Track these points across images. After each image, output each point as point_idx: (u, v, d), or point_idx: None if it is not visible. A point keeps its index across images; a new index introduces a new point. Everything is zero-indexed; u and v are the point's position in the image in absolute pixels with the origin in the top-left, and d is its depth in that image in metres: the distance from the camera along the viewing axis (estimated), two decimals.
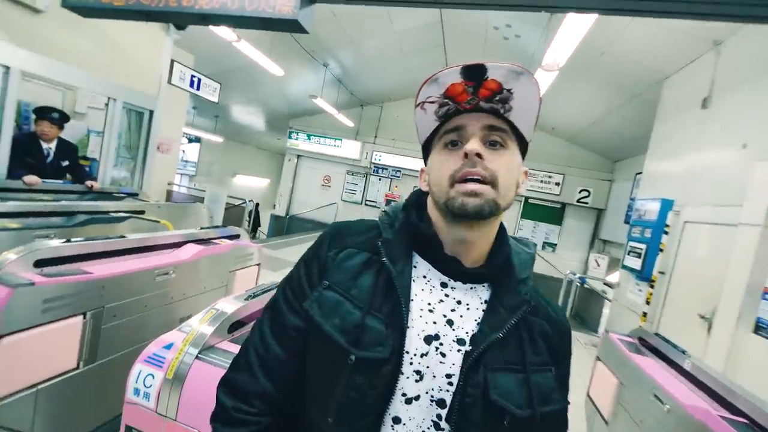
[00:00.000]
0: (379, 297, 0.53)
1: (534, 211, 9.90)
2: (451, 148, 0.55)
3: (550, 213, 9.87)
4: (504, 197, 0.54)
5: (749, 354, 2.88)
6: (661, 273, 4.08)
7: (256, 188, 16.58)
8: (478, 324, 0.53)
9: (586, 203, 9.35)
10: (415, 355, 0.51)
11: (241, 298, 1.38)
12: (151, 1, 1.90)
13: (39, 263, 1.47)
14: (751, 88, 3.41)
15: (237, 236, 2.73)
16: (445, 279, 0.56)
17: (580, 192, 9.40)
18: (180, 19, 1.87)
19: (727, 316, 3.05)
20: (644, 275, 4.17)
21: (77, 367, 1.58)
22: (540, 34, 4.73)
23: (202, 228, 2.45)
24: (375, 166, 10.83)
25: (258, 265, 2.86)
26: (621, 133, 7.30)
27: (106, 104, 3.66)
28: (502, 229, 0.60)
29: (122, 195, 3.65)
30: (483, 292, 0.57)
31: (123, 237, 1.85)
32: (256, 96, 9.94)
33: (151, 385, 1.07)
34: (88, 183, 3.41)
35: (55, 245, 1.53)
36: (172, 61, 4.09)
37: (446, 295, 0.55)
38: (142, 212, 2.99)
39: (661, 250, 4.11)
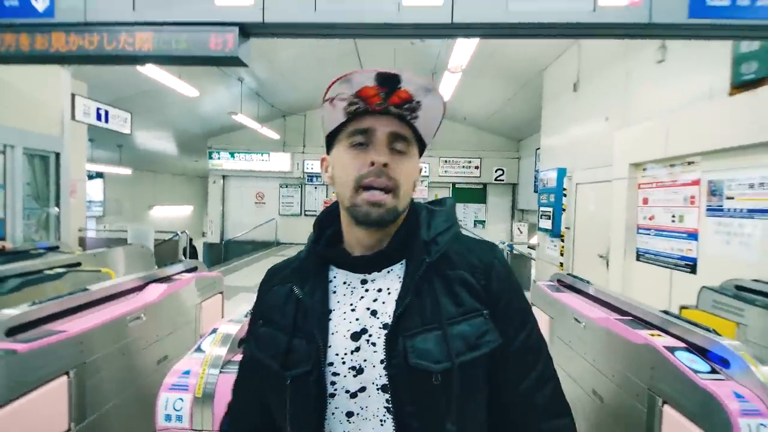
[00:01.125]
0: (301, 319, 0.57)
1: (462, 194, 10.88)
2: (358, 148, 0.57)
3: (475, 194, 10.95)
4: (403, 202, 0.58)
5: (636, 276, 3.74)
6: (567, 228, 4.97)
7: (179, 218, 15.26)
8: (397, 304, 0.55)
9: (503, 180, 10.58)
10: (345, 354, 0.54)
11: (238, 318, 1.52)
12: (71, 46, 1.87)
13: (11, 332, 1.42)
14: (605, 73, 4.36)
15: (195, 268, 2.72)
16: (363, 276, 0.60)
17: (496, 171, 10.59)
18: (113, 62, 1.86)
19: (617, 252, 3.91)
20: (555, 233, 5.03)
21: (69, 429, 1.55)
22: (441, 41, 5.32)
23: (159, 267, 2.42)
24: (308, 176, 10.83)
25: (221, 293, 2.87)
26: (520, 117, 8.45)
27: (2, 152, 3.23)
28: (410, 205, 0.63)
29: (41, 250, 3.27)
30: (400, 270, 0.59)
31: (86, 290, 1.81)
32: (164, 119, 9.21)
33: (181, 408, 1.19)
34: (2, 244, 3.01)
35: (23, 311, 1.48)
36: (73, 95, 3.73)
37: (366, 290, 0.58)
38: (78, 264, 2.77)
39: (564, 210, 5.00)
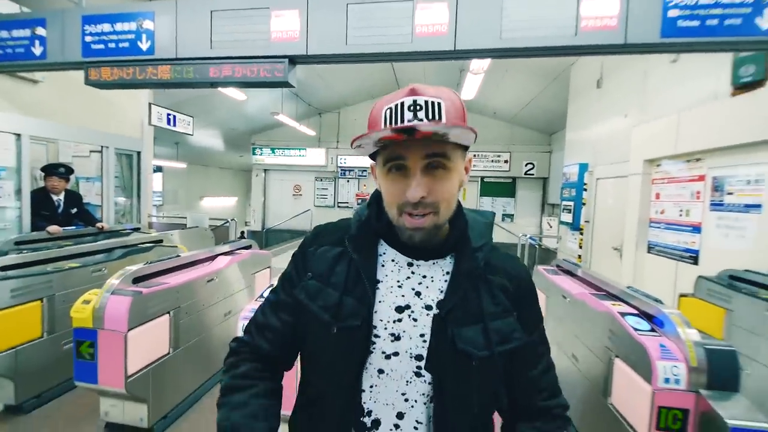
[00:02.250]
0: (352, 281, 0.64)
1: (490, 188, 11.00)
2: (395, 173, 0.61)
3: (504, 188, 11.02)
4: (445, 216, 0.62)
5: (647, 267, 3.91)
6: (587, 222, 5.13)
7: (226, 207, 16.61)
8: (441, 292, 0.64)
9: (533, 174, 10.56)
10: (389, 322, 0.62)
11: None
12: (168, 75, 2.48)
13: (136, 280, 2.06)
14: (626, 71, 4.46)
15: (250, 246, 3.34)
16: (410, 260, 0.66)
17: (526, 165, 10.59)
18: (195, 86, 2.46)
19: (629, 245, 4.08)
20: (575, 226, 5.21)
21: (169, 353, 2.18)
22: None
23: (225, 243, 3.04)
24: (341, 170, 11.46)
25: (269, 267, 3.48)
26: (551, 110, 8.45)
27: (100, 152, 4.06)
28: (458, 208, 0.67)
29: (128, 231, 4.09)
30: (445, 265, 0.66)
31: (178, 256, 2.44)
32: (214, 119, 10.20)
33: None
34: (99, 225, 3.82)
35: (141, 267, 2.12)
36: (150, 104, 4.51)
37: (413, 272, 0.65)
38: (160, 241, 3.50)
39: (584, 204, 5.15)
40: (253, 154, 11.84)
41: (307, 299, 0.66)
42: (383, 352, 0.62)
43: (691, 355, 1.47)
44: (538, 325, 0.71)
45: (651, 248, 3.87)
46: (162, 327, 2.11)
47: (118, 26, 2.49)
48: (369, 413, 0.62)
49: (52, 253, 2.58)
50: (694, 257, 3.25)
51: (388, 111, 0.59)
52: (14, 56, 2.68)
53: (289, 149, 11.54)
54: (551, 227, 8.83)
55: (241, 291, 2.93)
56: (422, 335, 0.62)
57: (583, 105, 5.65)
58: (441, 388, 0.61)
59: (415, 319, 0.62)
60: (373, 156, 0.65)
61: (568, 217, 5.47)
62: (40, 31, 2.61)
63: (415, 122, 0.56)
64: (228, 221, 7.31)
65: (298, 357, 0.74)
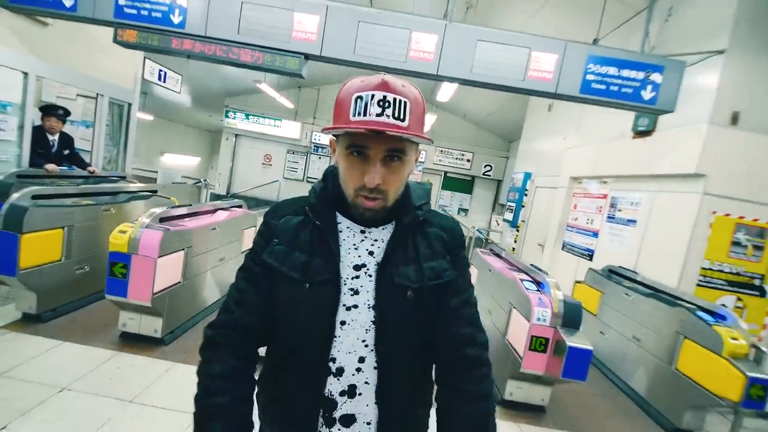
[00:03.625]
0: (317, 243, 0.73)
1: (451, 183, 11.97)
2: (354, 158, 0.68)
3: (464, 184, 12.04)
4: (392, 200, 0.72)
5: (559, 260, 4.95)
6: (523, 221, 6.15)
7: (187, 167, 16.09)
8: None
9: (490, 175, 11.67)
10: (347, 278, 0.72)
11: None
12: (191, 47, 2.87)
13: (162, 220, 2.53)
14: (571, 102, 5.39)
15: (240, 206, 3.81)
16: (362, 227, 0.75)
17: (485, 167, 11.65)
18: (216, 62, 2.86)
19: (550, 242, 5.10)
20: (513, 224, 6.21)
21: (180, 282, 2.69)
22: None
23: (217, 200, 3.50)
24: (315, 146, 11.75)
25: (254, 226, 3.98)
26: (512, 120, 9.44)
27: (92, 97, 4.19)
28: (404, 188, 0.76)
29: (115, 178, 4.31)
30: (392, 228, 0.76)
31: (191, 205, 2.90)
32: (190, 75, 9.95)
33: None
34: (90, 169, 4.02)
35: (166, 210, 2.58)
36: (144, 58, 4.64)
37: (365, 237, 0.75)
38: (155, 191, 3.84)
39: (523, 206, 6.15)
40: (226, 116, 11.69)
41: (277, 263, 0.73)
42: (344, 305, 0.70)
43: (555, 306, 2.31)
44: (464, 269, 0.82)
45: (564, 246, 4.91)
46: (178, 260, 2.61)
47: None
48: (333, 360, 0.70)
49: (71, 190, 2.90)
50: (590, 255, 4.29)
51: (358, 100, 0.64)
52: (43, 3, 2.89)
53: (264, 117, 11.56)
54: (498, 224, 10.00)
55: (232, 243, 3.43)
56: (375, 288, 0.71)
57: (535, 122, 6.61)
58: (381, 319, 0.70)
59: (370, 275, 0.72)
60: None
61: (509, 216, 6.47)
62: None
63: (384, 120, 0.63)
64: (200, 180, 7.50)
65: None
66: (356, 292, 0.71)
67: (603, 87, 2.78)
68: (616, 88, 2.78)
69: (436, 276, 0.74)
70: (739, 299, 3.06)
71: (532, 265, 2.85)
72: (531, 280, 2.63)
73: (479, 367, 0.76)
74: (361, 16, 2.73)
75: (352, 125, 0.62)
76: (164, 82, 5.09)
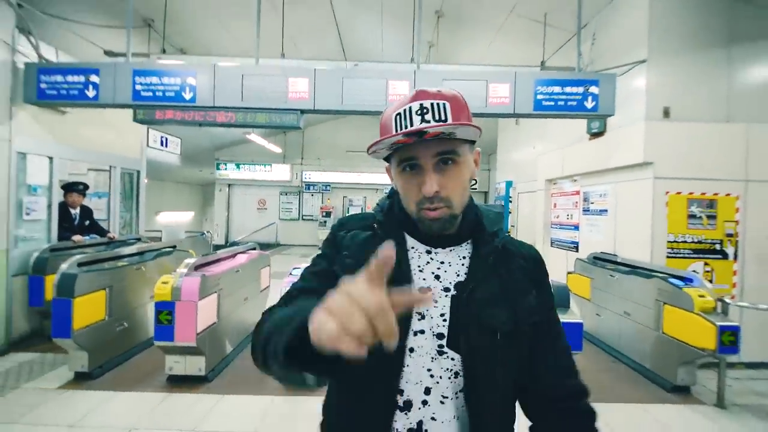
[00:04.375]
0: None
1: None
2: (408, 173, 0.66)
3: None
4: (459, 207, 0.67)
5: (551, 256, 5.35)
6: (512, 226, 6.59)
7: (181, 223, 16.34)
8: (458, 275, 0.68)
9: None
10: None
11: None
12: (203, 117, 3.33)
13: (197, 267, 2.87)
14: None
15: (255, 248, 4.17)
16: (429, 248, 0.71)
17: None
18: (225, 127, 3.31)
19: (539, 241, 5.52)
20: (503, 229, 6.63)
21: (216, 322, 2.99)
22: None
23: (231, 246, 3.87)
24: (306, 185, 12.25)
25: (269, 265, 4.31)
26: (487, 135, 10.14)
27: (106, 170, 4.60)
28: (470, 201, 0.73)
29: (132, 240, 4.64)
30: (461, 251, 0.71)
31: (215, 253, 3.26)
32: (180, 134, 10.52)
33: None
34: (110, 235, 4.35)
35: (199, 258, 2.93)
36: (148, 129, 5.11)
37: (431, 258, 0.70)
38: (174, 247, 4.18)
39: (510, 212, 6.62)
40: (217, 169, 12.18)
41: (345, 275, 0.66)
42: (412, 329, 0.65)
43: None
44: (552, 304, 0.75)
45: (552, 243, 5.33)
46: (213, 302, 2.93)
47: (165, 80, 3.30)
48: (401, 392, 0.64)
49: (107, 255, 3.24)
50: (576, 247, 4.71)
51: (398, 117, 0.63)
52: (69, 97, 3.36)
53: (254, 164, 12.09)
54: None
55: (253, 282, 3.76)
56: (442, 315, 0.65)
57: (507, 136, 7.23)
58: (469, 365, 0.63)
59: (435, 301, 0.66)
60: (387, 158, 0.70)
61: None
62: (94, 78, 3.33)
63: (423, 125, 0.60)
64: (204, 233, 7.84)
65: None
66: (422, 317, 0.66)
67: (552, 103, 3.32)
68: (562, 103, 3.32)
69: (526, 316, 0.68)
70: (706, 264, 3.49)
71: None
72: None
73: (584, 396, 0.71)
74: (344, 73, 3.26)
75: (390, 136, 0.61)
76: (166, 147, 5.55)
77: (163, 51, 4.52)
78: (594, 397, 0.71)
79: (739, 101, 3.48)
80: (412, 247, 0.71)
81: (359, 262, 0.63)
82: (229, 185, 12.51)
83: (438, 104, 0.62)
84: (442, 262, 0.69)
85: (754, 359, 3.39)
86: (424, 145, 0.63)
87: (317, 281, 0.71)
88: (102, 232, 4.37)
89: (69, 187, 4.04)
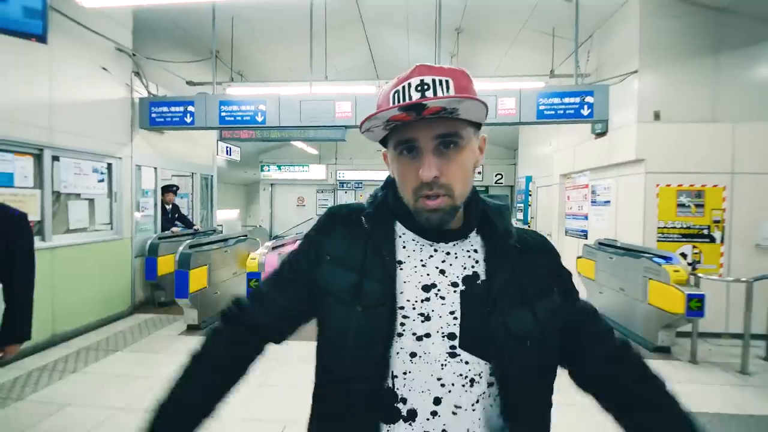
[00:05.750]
0: (371, 261, 0.62)
1: None
2: (406, 157, 0.59)
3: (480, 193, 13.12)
4: (461, 197, 0.60)
5: (566, 244, 5.91)
6: (532, 218, 7.16)
7: (230, 219, 18.04)
8: (464, 268, 0.61)
9: (502, 183, 12.71)
10: (417, 302, 0.59)
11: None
12: (275, 135, 4.30)
13: (274, 248, 3.85)
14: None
15: None
16: (431, 241, 0.64)
17: (496, 176, 12.73)
18: (287, 141, 4.26)
19: (555, 230, 6.10)
20: (524, 221, 7.22)
21: None
22: None
23: (275, 239, 4.85)
24: (340, 183, 13.30)
25: None
26: (511, 132, 10.62)
27: (189, 176, 5.77)
28: (473, 193, 0.65)
29: (210, 231, 5.78)
30: (467, 243, 0.64)
31: (282, 239, 4.23)
32: (236, 144, 11.88)
33: None
34: (195, 227, 5.51)
35: (274, 242, 3.91)
36: (217, 141, 6.24)
37: (435, 251, 0.63)
38: (245, 236, 5.25)
39: (530, 205, 7.18)
40: (261, 170, 13.50)
41: (326, 283, 0.64)
42: (414, 334, 0.58)
43: None
44: (575, 290, 0.71)
45: (567, 232, 5.88)
46: None
47: (243, 107, 4.30)
48: (404, 400, 0.57)
49: (205, 240, 4.32)
50: (585, 234, 5.27)
51: (395, 94, 0.57)
52: (172, 122, 4.45)
53: (293, 165, 13.29)
54: (516, 224, 10.93)
55: None
56: (452, 313, 0.59)
57: (527, 134, 7.76)
58: (502, 372, 0.57)
59: (442, 297, 0.60)
60: (384, 142, 0.64)
61: (520, 215, 7.49)
62: (190, 108, 4.39)
63: (422, 99, 0.53)
64: (258, 226, 9.01)
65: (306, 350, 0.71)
66: (427, 318, 0.59)
67: (552, 112, 3.96)
68: (562, 111, 3.95)
69: (551, 318, 0.63)
70: (695, 247, 3.99)
71: None
72: None
73: (630, 347, 0.72)
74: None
75: (386, 109, 0.53)
76: (230, 155, 6.68)
77: (232, 79, 5.57)
78: None
79: (726, 103, 3.93)
80: (413, 240, 0.65)
81: (341, 266, 0.64)
82: (272, 184, 13.81)
83: (441, 80, 0.57)
84: (447, 254, 0.63)
85: (738, 330, 3.87)
86: (425, 124, 0.57)
87: (278, 294, 0.69)
88: (189, 224, 5.53)
89: (167, 189, 5.20)
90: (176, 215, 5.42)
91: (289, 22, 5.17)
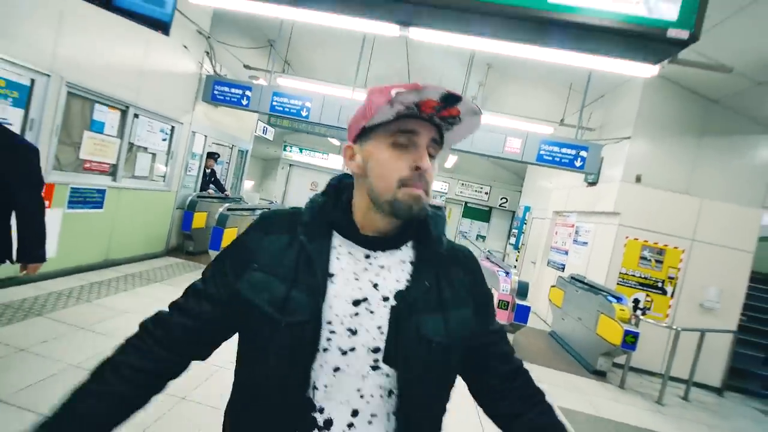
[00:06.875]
0: (302, 272, 0.61)
1: (471, 212, 13.73)
2: (400, 149, 0.61)
3: (482, 214, 13.76)
4: (430, 198, 0.64)
5: (546, 273, 6.59)
6: (523, 245, 7.83)
7: (247, 189, 18.82)
8: (398, 281, 0.63)
9: (505, 207, 13.36)
10: (345, 317, 0.60)
11: None
12: (316, 129, 5.01)
13: None
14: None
15: None
16: (367, 251, 0.64)
17: (501, 199, 13.38)
18: (325, 135, 4.96)
19: (539, 260, 6.77)
20: (516, 246, 7.90)
21: None
22: None
23: None
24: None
25: None
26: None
27: (230, 148, 6.51)
28: None
29: (238, 198, 6.53)
30: (401, 255, 0.66)
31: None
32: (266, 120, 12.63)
33: None
34: (226, 192, 6.26)
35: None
36: (257, 120, 6.97)
37: (370, 264, 0.64)
38: (272, 203, 5.99)
39: (524, 233, 7.85)
40: (284, 150, 14.25)
41: (251, 293, 0.62)
42: (339, 348, 0.59)
43: (513, 282, 4.08)
44: (492, 311, 0.75)
45: (549, 263, 6.55)
46: None
47: (292, 101, 5.02)
48: (321, 410, 0.59)
49: (238, 206, 5.06)
50: (563, 268, 5.94)
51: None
52: (230, 101, 5.19)
53: (314, 151, 14.02)
54: (506, 249, 11.59)
55: None
56: (379, 327, 0.60)
57: (534, 168, 8.41)
58: (406, 379, 0.59)
59: (372, 312, 0.61)
60: (361, 135, 0.65)
61: (513, 241, 8.17)
62: (248, 92, 5.13)
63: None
64: (272, 201, 9.76)
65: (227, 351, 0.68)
66: (354, 332, 0.60)
67: (551, 158, 4.63)
68: (558, 159, 4.63)
69: (461, 329, 0.65)
70: (648, 296, 4.66)
71: (507, 264, 4.62)
72: (504, 270, 4.42)
73: (524, 374, 0.74)
74: None
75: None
76: (265, 134, 7.42)
77: (283, 70, 6.29)
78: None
79: (699, 180, 4.58)
80: (349, 252, 0.64)
81: (271, 275, 0.62)
82: (290, 165, 14.56)
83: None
84: (381, 267, 0.64)
85: (675, 374, 4.54)
86: (427, 125, 0.62)
87: (198, 306, 0.67)
88: (222, 189, 6.28)
89: (210, 155, 5.95)
90: (212, 179, 6.16)
91: (344, 32, 5.88)
